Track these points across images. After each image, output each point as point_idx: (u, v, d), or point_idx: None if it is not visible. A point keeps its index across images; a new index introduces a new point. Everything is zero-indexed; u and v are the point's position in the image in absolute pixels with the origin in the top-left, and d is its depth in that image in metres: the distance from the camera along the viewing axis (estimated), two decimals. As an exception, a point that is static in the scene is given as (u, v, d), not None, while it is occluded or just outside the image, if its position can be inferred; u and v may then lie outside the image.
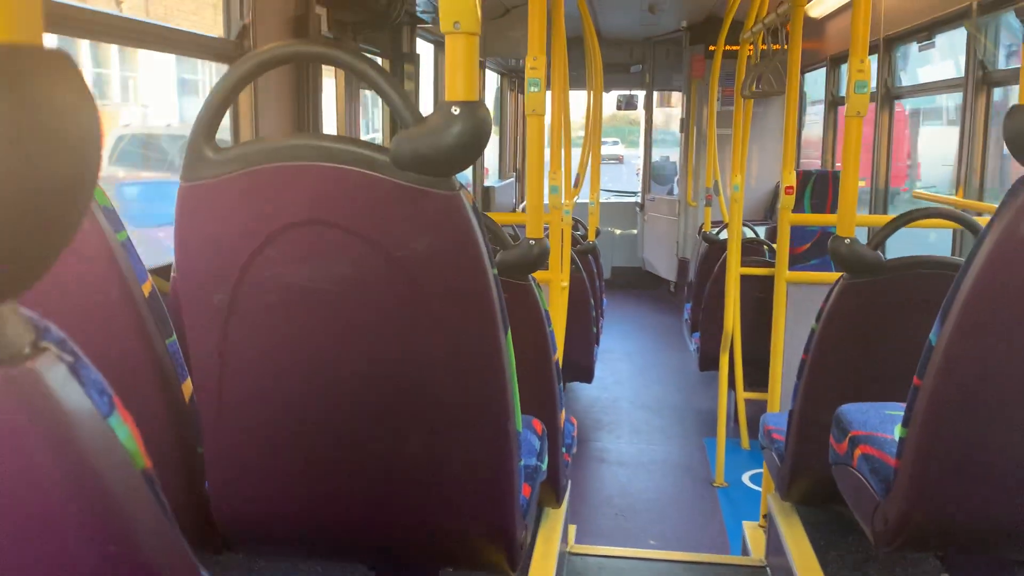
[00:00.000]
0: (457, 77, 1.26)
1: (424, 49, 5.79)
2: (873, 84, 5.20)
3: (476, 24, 1.25)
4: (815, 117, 7.39)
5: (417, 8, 4.73)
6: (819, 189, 5.92)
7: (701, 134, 8.06)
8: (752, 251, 5.45)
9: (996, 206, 1.46)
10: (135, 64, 11.21)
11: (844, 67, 6.16)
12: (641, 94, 9.82)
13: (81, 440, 0.44)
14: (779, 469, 2.65)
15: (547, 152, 3.24)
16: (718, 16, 7.11)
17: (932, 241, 5.29)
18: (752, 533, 3.37)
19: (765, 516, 3.18)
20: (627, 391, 6.09)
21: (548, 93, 3.29)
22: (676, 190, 9.00)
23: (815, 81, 7.29)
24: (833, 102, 6.55)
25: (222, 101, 1.29)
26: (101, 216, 1.33)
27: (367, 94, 4.91)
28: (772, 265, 4.50)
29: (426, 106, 5.51)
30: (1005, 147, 1.48)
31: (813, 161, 7.29)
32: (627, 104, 10.30)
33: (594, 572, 3.05)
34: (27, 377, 0.41)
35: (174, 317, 1.48)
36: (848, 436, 1.99)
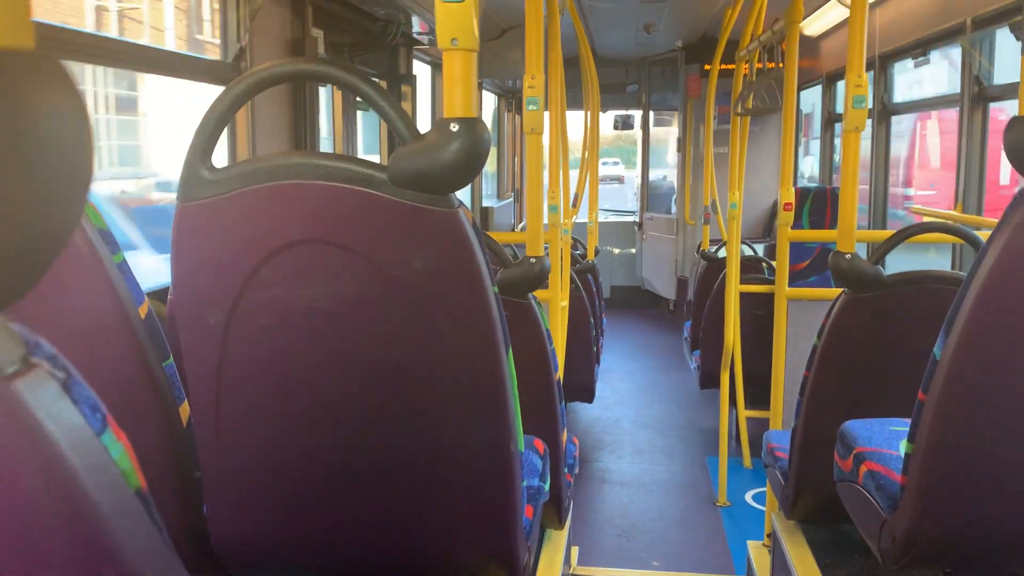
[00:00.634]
0: (455, 94, 1.25)
1: (421, 70, 5.80)
2: (869, 101, 5.23)
3: (474, 41, 1.25)
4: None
5: (413, 30, 4.75)
6: (817, 206, 5.92)
7: (698, 153, 8.09)
8: (751, 269, 5.44)
9: (996, 220, 1.46)
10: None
11: (840, 84, 6.19)
12: (638, 114, 9.85)
13: (72, 458, 0.42)
14: (783, 487, 2.63)
15: (546, 172, 3.24)
16: (713, 36, 7.15)
17: (932, 257, 5.29)
18: (756, 553, 3.34)
19: (769, 535, 3.15)
20: (628, 410, 6.06)
21: (546, 113, 3.31)
22: (674, 209, 9.02)
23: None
24: (830, 120, 6.57)
25: (218, 121, 1.29)
26: (96, 238, 1.32)
27: (364, 112, 4.92)
28: (771, 282, 4.50)
29: (423, 128, 5.54)
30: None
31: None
32: (624, 124, 10.33)
33: None
34: (16, 393, 0.40)
35: (171, 339, 1.46)
36: (853, 453, 1.97)
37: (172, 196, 1.31)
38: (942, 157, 6.31)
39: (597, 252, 6.51)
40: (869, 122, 5.26)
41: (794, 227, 5.29)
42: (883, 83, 5.16)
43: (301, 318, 1.31)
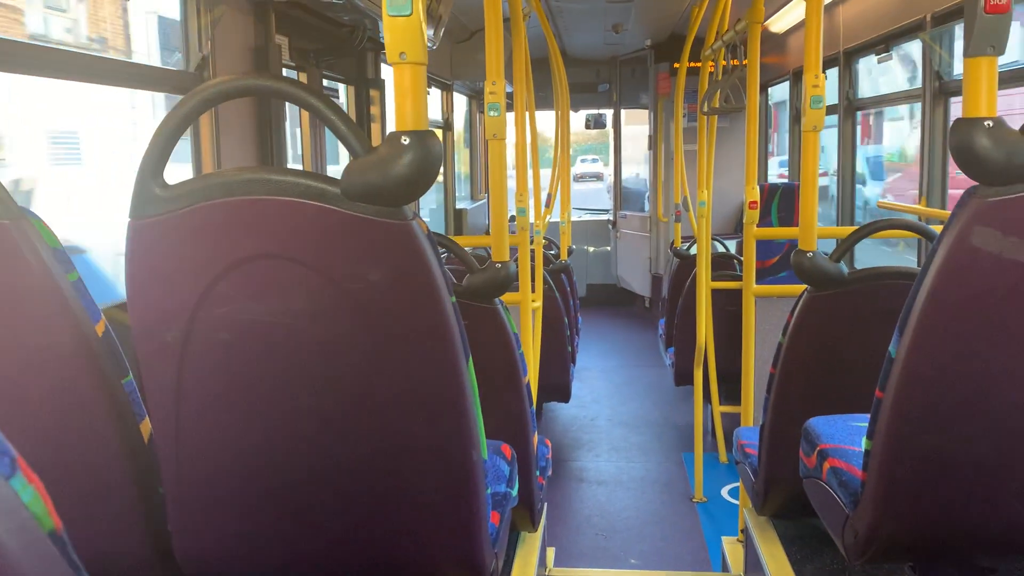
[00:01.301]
0: (406, 107, 1.26)
1: (390, 74, 5.78)
2: (835, 97, 5.28)
3: (422, 54, 1.25)
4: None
5: (380, 34, 4.74)
6: (786, 203, 5.97)
7: (669, 151, 8.13)
8: (723, 265, 5.48)
9: None
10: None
11: (806, 81, 6.23)
12: (609, 112, 9.89)
13: None
14: (753, 483, 2.65)
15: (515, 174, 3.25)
16: (682, 34, 7.19)
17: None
18: (731, 548, 3.37)
19: (743, 531, 3.18)
20: (605, 409, 6.08)
21: (513, 115, 3.31)
22: (647, 207, 9.06)
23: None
24: (797, 116, 6.63)
25: (168, 138, 1.28)
26: (50, 257, 1.31)
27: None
28: (742, 279, 4.53)
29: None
30: None
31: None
32: (596, 123, 10.35)
33: None
34: None
35: (132, 355, 1.46)
36: (817, 449, 1.99)
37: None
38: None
39: (571, 252, 6.53)
40: (835, 117, 5.32)
41: (763, 224, 5.33)
42: (848, 79, 5.21)
43: (258, 333, 1.31)
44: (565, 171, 6.14)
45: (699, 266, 4.50)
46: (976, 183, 1.38)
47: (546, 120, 10.56)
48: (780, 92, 7.52)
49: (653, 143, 8.66)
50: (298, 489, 1.45)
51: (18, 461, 0.45)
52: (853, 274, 2.35)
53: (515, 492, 2.01)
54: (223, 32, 2.98)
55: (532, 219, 3.52)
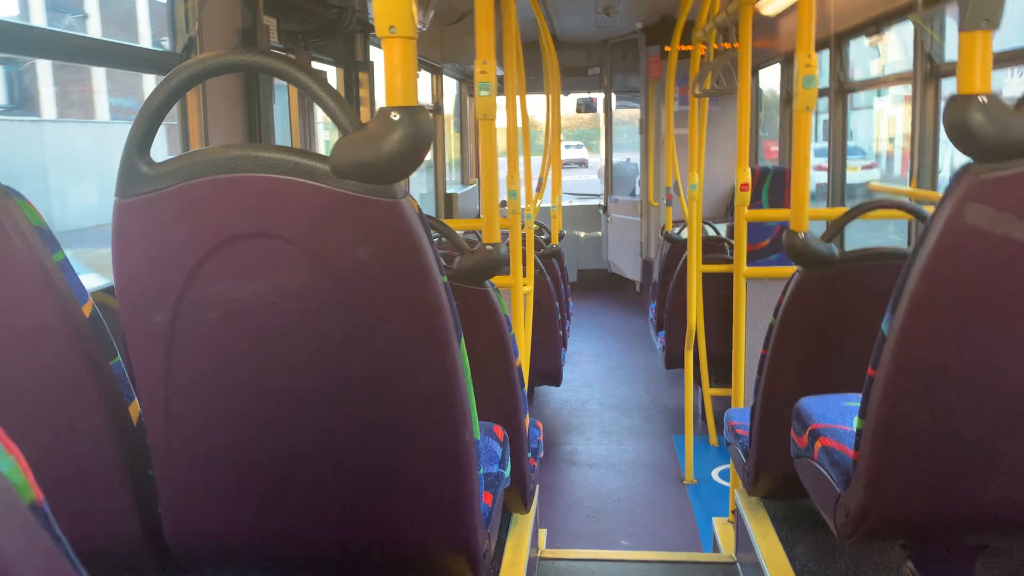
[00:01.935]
0: (396, 82, 1.24)
1: (379, 56, 5.74)
2: (825, 80, 5.27)
3: (412, 28, 1.23)
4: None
5: (369, 15, 4.70)
6: (776, 185, 5.98)
7: (660, 135, 8.11)
8: (714, 249, 5.48)
9: None
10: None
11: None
12: (600, 96, 9.86)
13: None
14: (744, 464, 2.66)
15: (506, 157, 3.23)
16: (672, 17, 7.16)
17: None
18: (722, 529, 3.38)
19: (733, 512, 3.19)
20: (596, 392, 6.10)
21: (504, 98, 3.29)
22: (638, 191, 9.05)
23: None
24: (789, 99, 6.62)
25: (154, 115, 1.26)
26: (34, 237, 1.29)
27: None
28: (732, 262, 4.54)
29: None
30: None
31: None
32: (587, 107, 10.33)
33: None
34: None
35: (120, 338, 1.44)
36: (808, 429, 1.99)
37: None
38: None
39: (562, 236, 6.52)
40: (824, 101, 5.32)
41: (754, 206, 5.33)
42: (839, 61, 5.20)
43: (247, 313, 1.29)
44: (556, 155, 6.12)
45: (690, 249, 4.50)
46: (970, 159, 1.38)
47: (536, 105, 10.52)
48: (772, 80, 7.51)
49: (644, 127, 8.64)
50: (289, 470, 1.44)
51: None
52: (844, 255, 2.35)
53: (507, 473, 2.00)
54: (210, 13, 2.94)
55: (523, 203, 3.51)
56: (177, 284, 1.28)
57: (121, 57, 2.81)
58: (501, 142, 2.88)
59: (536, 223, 5.51)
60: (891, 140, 11.60)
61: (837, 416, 1.97)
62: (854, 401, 1.96)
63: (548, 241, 6.24)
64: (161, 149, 1.28)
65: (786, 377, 2.41)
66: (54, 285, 1.32)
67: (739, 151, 3.35)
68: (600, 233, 9.93)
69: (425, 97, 7.39)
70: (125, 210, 1.26)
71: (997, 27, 1.33)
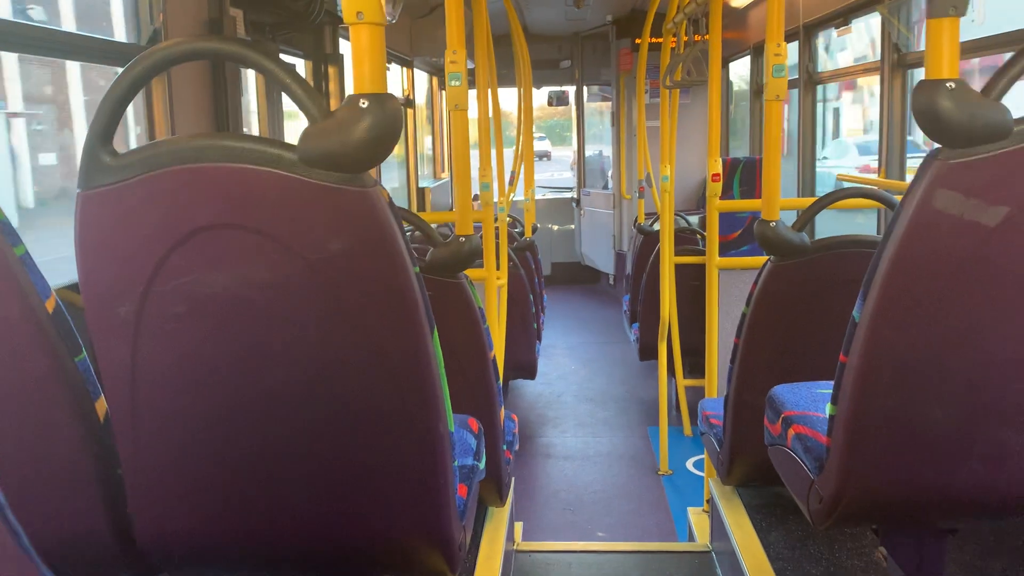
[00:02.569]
0: (364, 69, 1.22)
1: (349, 49, 5.69)
2: (794, 72, 5.31)
3: (380, 14, 1.21)
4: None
5: (337, 7, 4.65)
6: (747, 176, 6.01)
7: (632, 127, 8.13)
8: (687, 240, 5.51)
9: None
10: None
11: (767, 55, 6.26)
12: (572, 89, 9.85)
13: None
14: (718, 454, 2.67)
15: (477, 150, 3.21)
16: (643, 9, 7.17)
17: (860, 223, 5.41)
18: (697, 519, 3.40)
19: (708, 501, 3.21)
20: (571, 385, 6.11)
21: (475, 91, 3.27)
22: (611, 184, 9.07)
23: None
24: (758, 90, 6.66)
25: (117, 104, 1.23)
26: None
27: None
28: (705, 254, 4.56)
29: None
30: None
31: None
32: (558, 100, 10.32)
33: (542, 569, 3.03)
34: None
35: (86, 335, 1.41)
36: (781, 416, 2.00)
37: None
38: None
39: (535, 229, 6.52)
40: (796, 92, 5.35)
41: (725, 197, 5.35)
42: (808, 53, 5.24)
43: (215, 306, 1.27)
44: (529, 148, 6.11)
45: (663, 241, 4.51)
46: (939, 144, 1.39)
47: (507, 98, 10.47)
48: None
49: (615, 119, 8.65)
50: (260, 465, 1.41)
51: None
52: (815, 243, 2.36)
53: (482, 465, 1.99)
54: (175, 4, 2.89)
55: (496, 196, 3.50)
56: (143, 277, 1.25)
57: (83, 49, 2.75)
58: (473, 134, 2.86)
59: (509, 216, 5.51)
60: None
61: (810, 403, 1.98)
62: (826, 388, 1.97)
63: (521, 234, 6.23)
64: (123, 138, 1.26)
65: (759, 365, 2.43)
66: (16, 279, 1.29)
67: (710, 142, 3.36)
68: (573, 226, 9.94)
69: (396, 91, 7.33)
70: (88, 201, 1.23)
71: (964, 14, 1.34)
